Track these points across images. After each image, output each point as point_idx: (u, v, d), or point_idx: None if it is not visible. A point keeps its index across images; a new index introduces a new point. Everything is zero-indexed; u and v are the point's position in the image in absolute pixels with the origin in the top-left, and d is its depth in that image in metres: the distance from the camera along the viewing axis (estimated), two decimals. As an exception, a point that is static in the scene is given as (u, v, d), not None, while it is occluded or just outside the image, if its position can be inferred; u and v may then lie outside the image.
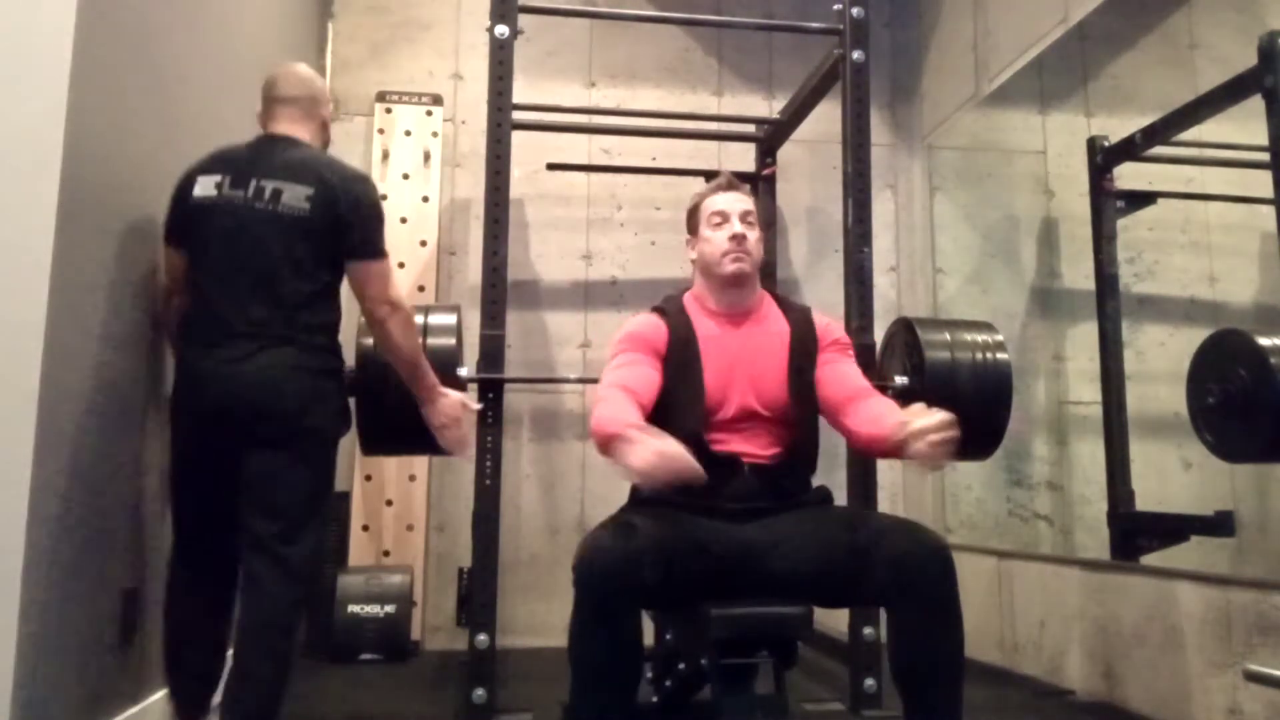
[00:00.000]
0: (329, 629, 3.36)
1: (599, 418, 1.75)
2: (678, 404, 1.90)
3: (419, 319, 2.43)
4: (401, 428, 2.39)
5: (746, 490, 1.88)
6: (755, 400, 1.92)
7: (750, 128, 3.91)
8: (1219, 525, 2.66)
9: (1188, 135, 2.77)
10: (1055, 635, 3.01)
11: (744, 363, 1.94)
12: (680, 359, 1.93)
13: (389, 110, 3.89)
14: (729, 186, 2.06)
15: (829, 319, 2.09)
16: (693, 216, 2.08)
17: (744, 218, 2.00)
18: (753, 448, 1.92)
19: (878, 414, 1.87)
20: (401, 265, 3.77)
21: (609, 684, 1.68)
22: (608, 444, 1.65)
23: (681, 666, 2.32)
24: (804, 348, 1.98)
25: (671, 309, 2.02)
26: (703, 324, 1.99)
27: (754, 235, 1.99)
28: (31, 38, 1.72)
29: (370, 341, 2.35)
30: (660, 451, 1.55)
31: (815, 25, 3.01)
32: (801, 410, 1.95)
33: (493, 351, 2.59)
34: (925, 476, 3.84)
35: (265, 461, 1.93)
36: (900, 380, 2.59)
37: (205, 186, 2.03)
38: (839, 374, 1.98)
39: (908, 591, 1.67)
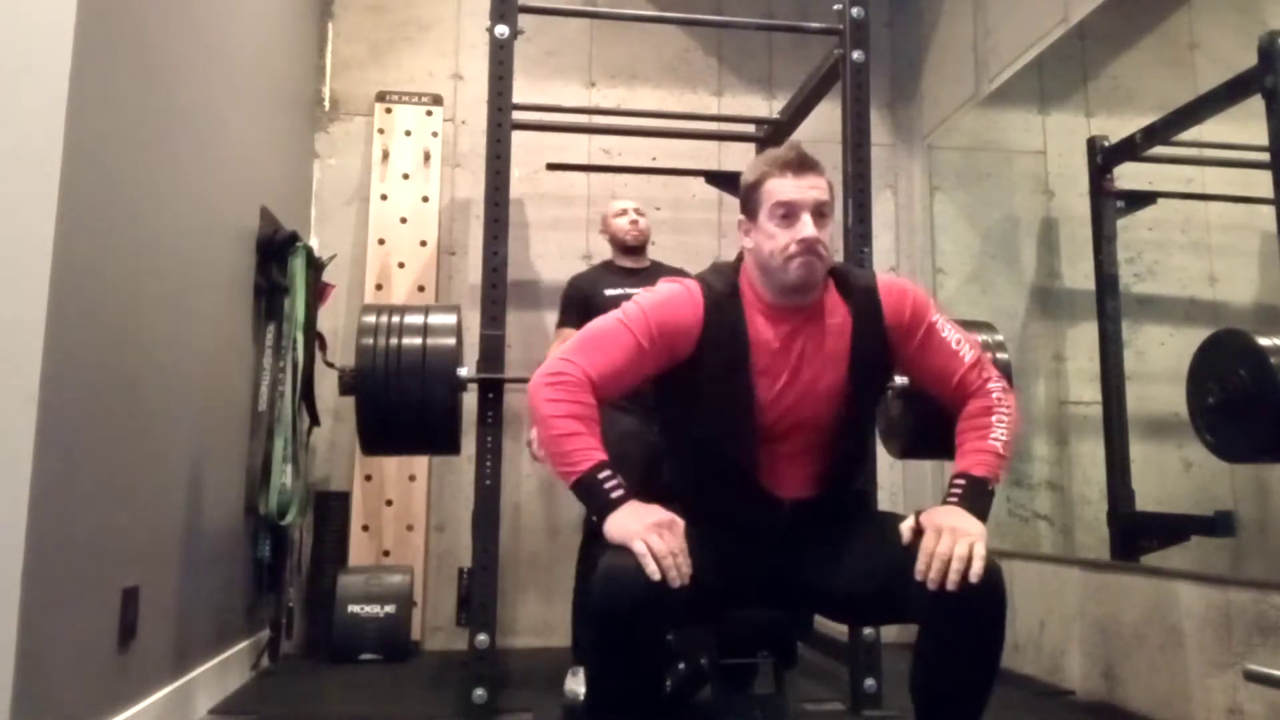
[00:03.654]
0: (329, 629, 3.36)
1: (545, 429, 1.56)
2: (722, 422, 1.64)
3: (419, 319, 2.43)
4: (401, 428, 2.39)
5: (783, 524, 1.68)
6: (809, 416, 1.66)
7: (750, 128, 3.91)
8: (1219, 525, 2.66)
9: (1188, 135, 2.77)
10: (1055, 635, 3.01)
11: (800, 373, 1.65)
12: (725, 362, 1.63)
13: (389, 110, 3.89)
14: (800, 166, 1.64)
15: (896, 284, 1.73)
16: (751, 196, 1.71)
17: (817, 210, 1.62)
18: (798, 476, 1.67)
19: (959, 434, 1.68)
20: (402, 265, 3.77)
21: (636, 707, 1.51)
22: (558, 469, 1.53)
23: (681, 666, 2.32)
24: (868, 345, 1.67)
25: (720, 289, 1.68)
26: (755, 321, 1.66)
27: (828, 232, 1.64)
28: (31, 38, 1.72)
29: (369, 341, 2.35)
30: (657, 536, 1.41)
31: (815, 25, 3.00)
32: (855, 428, 1.72)
33: (493, 351, 2.59)
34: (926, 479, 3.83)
35: None
36: (900, 380, 2.59)
37: None
38: (927, 367, 1.70)
39: (953, 608, 1.42)
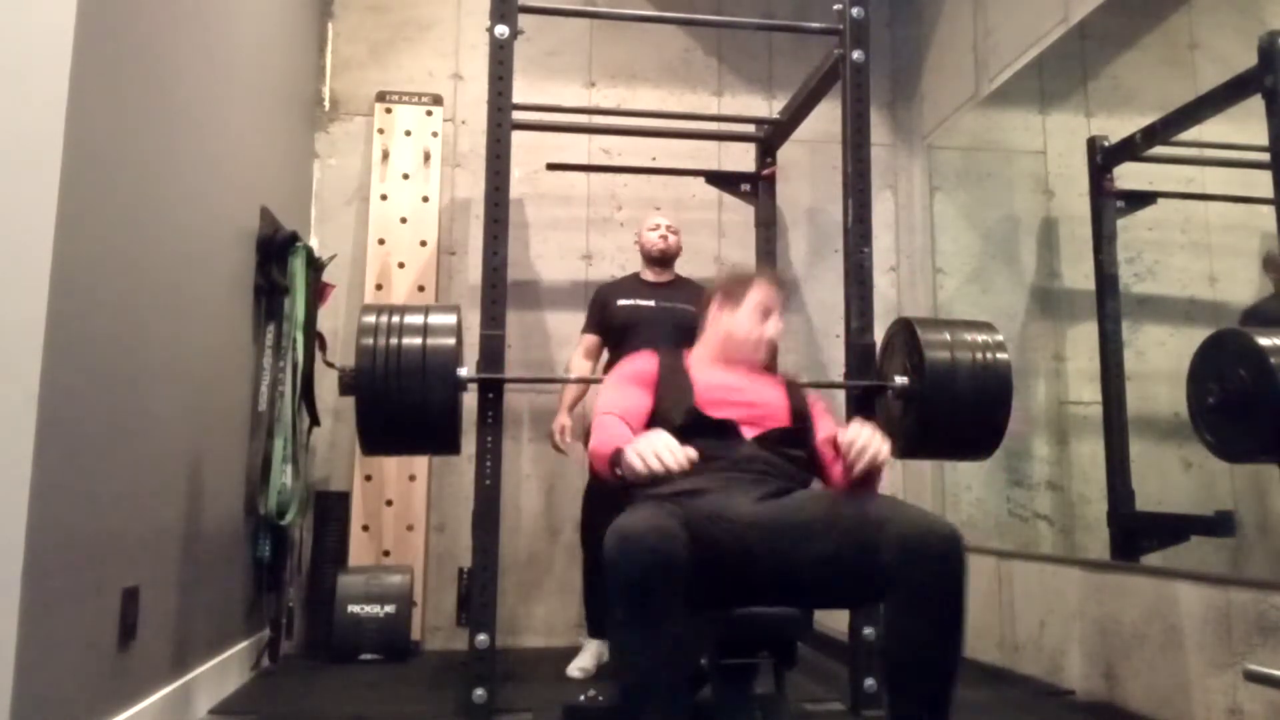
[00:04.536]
0: (329, 629, 3.36)
1: (593, 446, 1.84)
2: (668, 400, 1.99)
3: (419, 319, 2.44)
4: (401, 428, 2.39)
5: (750, 457, 1.89)
6: (748, 406, 2.01)
7: (750, 128, 3.91)
8: (1219, 525, 2.66)
9: (1188, 135, 2.77)
10: (1055, 635, 3.01)
11: (738, 388, 2.05)
12: (671, 379, 2.05)
13: (389, 110, 3.89)
14: (778, 282, 2.23)
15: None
16: (738, 289, 2.16)
17: (779, 315, 2.18)
18: (750, 423, 1.97)
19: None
20: (402, 265, 3.77)
21: (666, 668, 1.58)
22: (607, 462, 1.73)
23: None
24: (797, 393, 2.13)
25: (666, 355, 2.14)
26: (699, 365, 2.13)
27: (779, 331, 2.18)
28: (31, 38, 1.72)
29: (369, 341, 2.35)
30: (651, 440, 1.64)
31: (815, 25, 3.00)
32: (800, 420, 2.05)
33: (493, 351, 2.59)
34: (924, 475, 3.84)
35: None
36: (900, 380, 2.59)
37: None
38: (821, 429, 2.08)
39: (914, 572, 1.58)
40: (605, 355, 3.37)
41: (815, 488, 2.01)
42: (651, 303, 3.33)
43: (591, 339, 3.38)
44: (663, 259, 3.41)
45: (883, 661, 1.70)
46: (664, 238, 3.40)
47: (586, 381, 3.23)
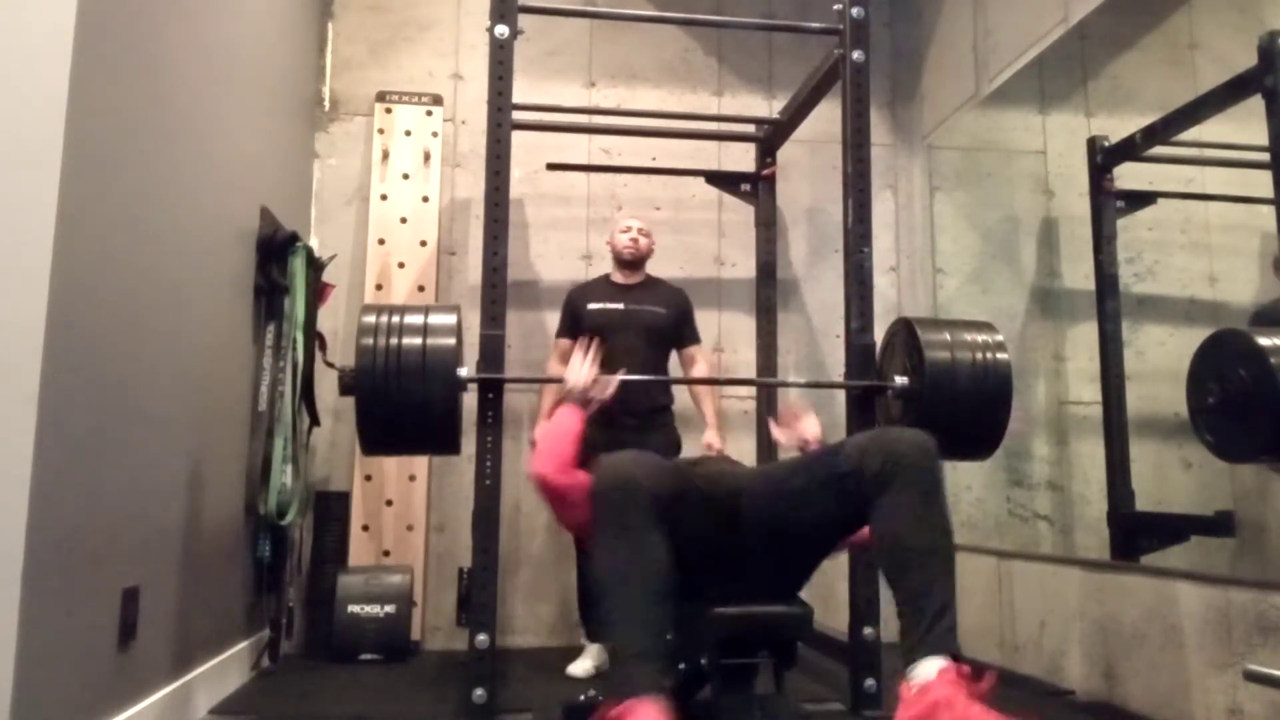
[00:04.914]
0: (329, 629, 3.36)
1: (542, 459, 2.13)
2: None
3: (419, 319, 2.44)
4: (401, 428, 2.39)
5: None
6: None
7: (750, 128, 3.91)
8: (1219, 525, 2.66)
9: (1188, 135, 2.77)
10: (1055, 635, 3.01)
11: None
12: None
13: (389, 110, 3.89)
14: None
15: None
16: None
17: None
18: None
19: None
20: (402, 265, 3.77)
21: (637, 589, 1.75)
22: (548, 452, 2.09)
23: (682, 666, 2.32)
24: None
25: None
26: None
27: None
28: (31, 38, 1.72)
29: (369, 341, 2.35)
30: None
31: (815, 25, 3.00)
32: None
33: (493, 351, 2.59)
34: None
35: None
36: (900, 380, 2.59)
37: None
38: None
39: (903, 474, 1.77)
40: None
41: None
42: (620, 306, 3.34)
43: (565, 343, 3.35)
44: (633, 262, 3.40)
45: (883, 559, 1.80)
46: (635, 240, 3.39)
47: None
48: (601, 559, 1.80)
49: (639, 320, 3.31)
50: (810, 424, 2.18)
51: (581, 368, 2.28)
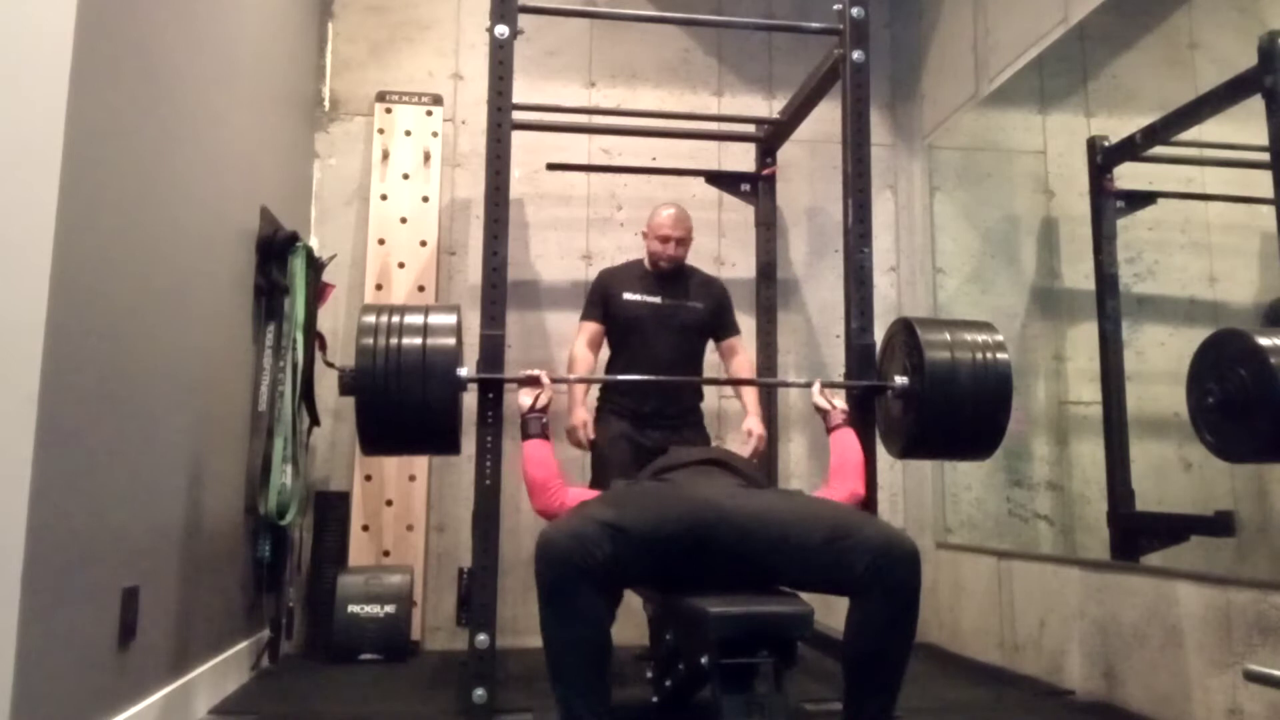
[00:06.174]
0: (329, 629, 3.36)
1: (536, 492, 2.37)
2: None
3: (419, 319, 2.44)
4: (401, 428, 2.39)
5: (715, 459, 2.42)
6: None
7: (750, 128, 3.91)
8: (1219, 525, 2.65)
9: (1188, 135, 2.77)
10: (1055, 635, 3.01)
11: None
12: None
13: (389, 110, 3.89)
14: None
15: None
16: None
17: None
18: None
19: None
20: (402, 265, 3.77)
21: (578, 658, 1.94)
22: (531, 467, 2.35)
23: (681, 666, 2.32)
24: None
25: None
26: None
27: None
28: (31, 38, 1.72)
29: (369, 341, 2.35)
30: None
31: (815, 25, 3.01)
32: None
33: (493, 351, 2.59)
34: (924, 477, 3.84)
35: None
36: (900, 380, 2.59)
37: None
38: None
39: (884, 583, 1.91)
40: (606, 350, 3.32)
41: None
42: (658, 300, 3.22)
43: (594, 327, 3.25)
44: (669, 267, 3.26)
45: (847, 649, 1.98)
46: (672, 257, 3.23)
47: (588, 382, 3.19)
48: (544, 629, 1.96)
49: (676, 318, 3.22)
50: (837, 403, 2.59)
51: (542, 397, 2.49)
